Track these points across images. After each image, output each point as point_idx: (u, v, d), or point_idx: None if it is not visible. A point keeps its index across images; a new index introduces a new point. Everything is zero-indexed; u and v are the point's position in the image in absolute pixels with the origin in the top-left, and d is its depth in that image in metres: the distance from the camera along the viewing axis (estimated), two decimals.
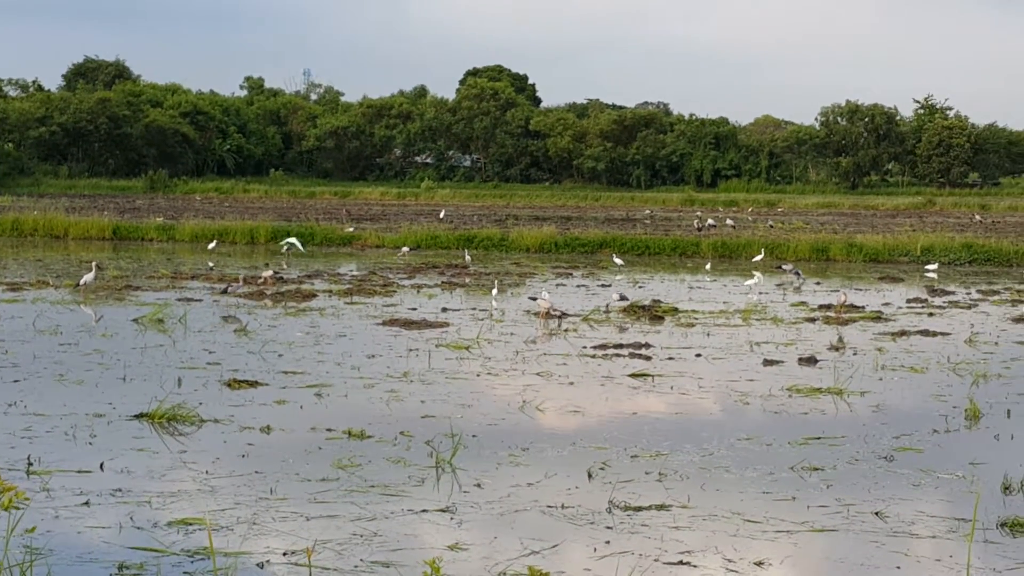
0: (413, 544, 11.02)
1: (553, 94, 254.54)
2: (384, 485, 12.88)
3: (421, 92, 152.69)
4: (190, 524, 11.38)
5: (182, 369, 19.50)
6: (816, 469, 13.81)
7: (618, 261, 40.85)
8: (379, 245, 49.09)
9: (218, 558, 10.32)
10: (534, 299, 27.48)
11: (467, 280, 35.50)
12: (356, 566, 10.42)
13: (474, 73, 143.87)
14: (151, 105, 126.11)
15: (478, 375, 19.68)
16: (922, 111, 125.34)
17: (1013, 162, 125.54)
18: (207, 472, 13.28)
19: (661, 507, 12.25)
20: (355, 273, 37.33)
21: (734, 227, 56.70)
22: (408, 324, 25.20)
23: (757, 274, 34.26)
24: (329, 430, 15.32)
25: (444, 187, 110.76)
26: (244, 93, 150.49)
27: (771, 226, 58.65)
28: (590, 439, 15.22)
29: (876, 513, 12.14)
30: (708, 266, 40.56)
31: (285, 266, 39.53)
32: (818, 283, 35.97)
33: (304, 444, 14.67)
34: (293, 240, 45.07)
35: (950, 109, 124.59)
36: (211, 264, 38.33)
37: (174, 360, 20.41)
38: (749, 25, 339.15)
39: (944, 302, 30.59)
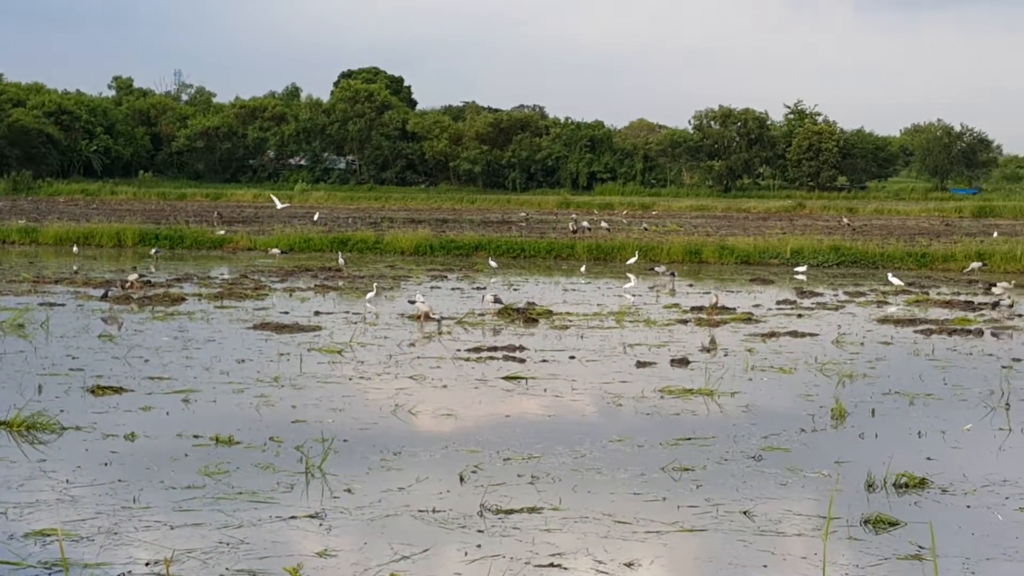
0: (280, 552, 10.83)
1: (429, 96, 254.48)
2: (252, 492, 12.67)
3: (293, 92, 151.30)
4: (48, 535, 11.05)
5: (43, 376, 19.02)
6: (686, 469, 13.88)
7: (493, 264, 40.87)
8: (251, 248, 48.53)
9: (76, 570, 10.05)
10: (413, 302, 27.31)
11: (341, 283, 35.19)
12: (221, 575, 10.21)
13: (349, 75, 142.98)
14: (13, 104, 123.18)
15: (350, 379, 19.50)
16: (792, 116, 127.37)
17: (879, 166, 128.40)
18: (67, 481, 12.94)
19: (533, 510, 12.21)
20: (226, 276, 36.85)
21: (609, 230, 57.02)
22: (280, 328, 24.91)
23: (632, 276, 34.48)
24: (196, 437, 15.04)
25: (319, 189, 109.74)
26: (112, 93, 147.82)
27: (645, 229, 59.15)
28: (463, 442, 15.14)
29: (744, 512, 12.23)
30: (583, 268, 40.73)
31: (153, 269, 38.86)
32: (691, 285, 36.32)
33: (170, 451, 14.37)
34: (275, 199, 44.81)
35: (819, 114, 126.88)
36: (75, 268, 37.55)
37: (35, 366, 19.91)
38: (624, 29, 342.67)
39: (812, 303, 31.05)
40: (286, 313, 27.47)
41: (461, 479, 13.36)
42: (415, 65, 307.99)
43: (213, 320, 26.28)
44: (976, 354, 22.87)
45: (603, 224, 60.30)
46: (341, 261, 40.79)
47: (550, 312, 28.14)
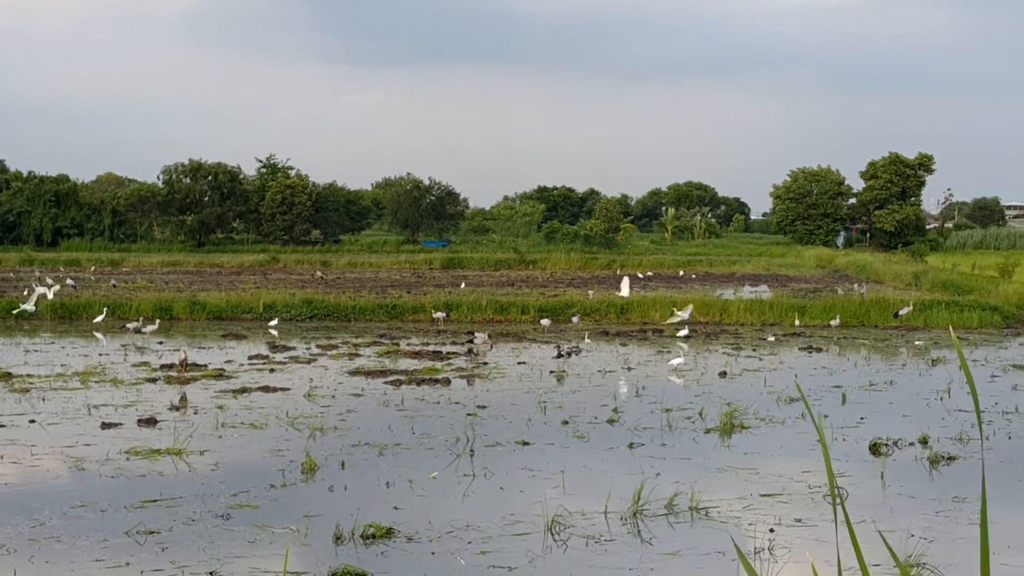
0: None
1: None
2: None
3: None
4: None
5: None
6: (152, 532, 13.48)
7: None
8: None
9: None
10: None
11: None
12: None
13: None
14: None
15: None
16: (265, 170, 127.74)
17: (352, 220, 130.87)
18: None
19: None
20: None
21: (75, 287, 54.93)
22: None
23: (99, 334, 33.32)
24: None
25: None
26: None
27: (114, 285, 57.43)
28: None
29: (211, 573, 12.03)
30: (47, 329, 38.99)
31: None
32: (161, 342, 35.46)
33: None
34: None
35: (292, 168, 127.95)
36: None
37: None
38: (88, 81, 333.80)
39: (285, 357, 31.09)
40: None
41: None
42: None
43: None
44: (443, 403, 23.64)
45: (68, 281, 58.04)
46: None
47: (9, 374, 26.70)
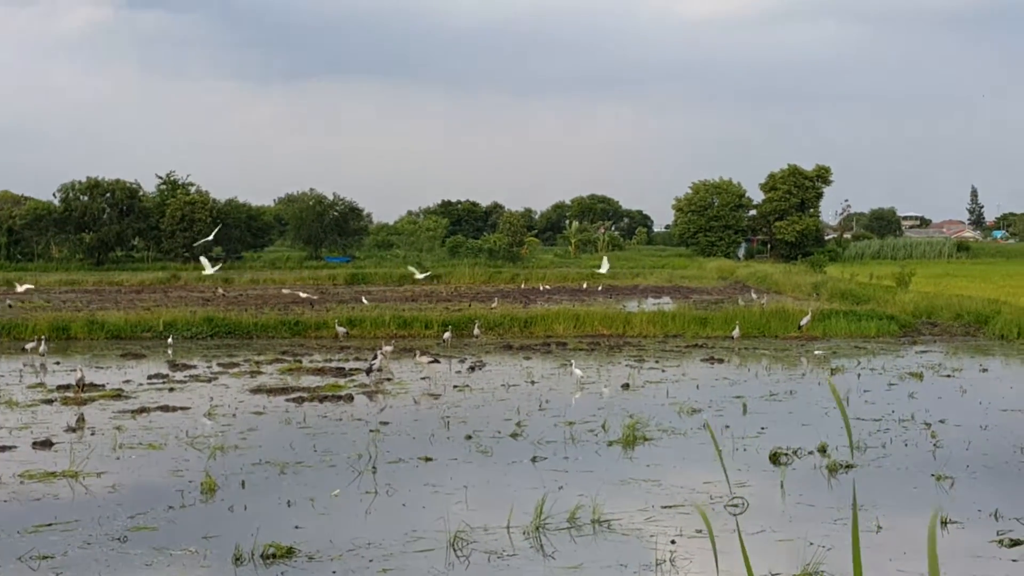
0: None
1: None
2: None
3: None
4: None
5: None
6: (47, 557, 13.23)
7: None
8: None
9: None
10: None
11: None
12: None
13: None
14: None
15: None
16: (164, 187, 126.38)
17: (254, 236, 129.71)
18: None
19: None
20: None
21: None
22: None
23: None
24: None
25: None
26: None
27: (10, 306, 56.42)
28: None
29: None
30: None
31: None
32: (58, 362, 34.85)
33: None
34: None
35: (192, 185, 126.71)
36: None
37: None
38: None
39: (186, 376, 30.67)
40: None
41: None
42: None
43: None
44: (346, 419, 23.47)
45: None
46: None
47: None
